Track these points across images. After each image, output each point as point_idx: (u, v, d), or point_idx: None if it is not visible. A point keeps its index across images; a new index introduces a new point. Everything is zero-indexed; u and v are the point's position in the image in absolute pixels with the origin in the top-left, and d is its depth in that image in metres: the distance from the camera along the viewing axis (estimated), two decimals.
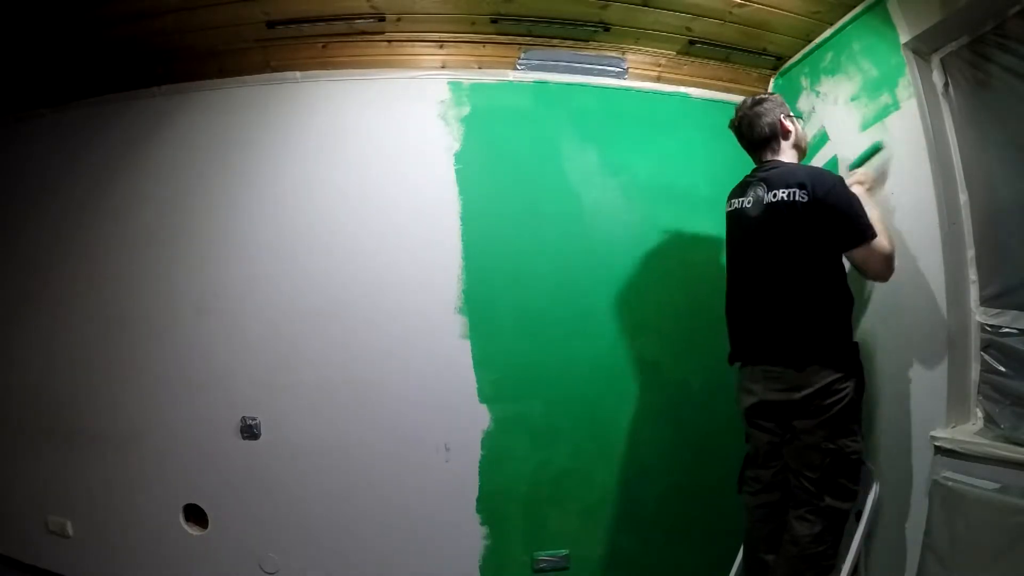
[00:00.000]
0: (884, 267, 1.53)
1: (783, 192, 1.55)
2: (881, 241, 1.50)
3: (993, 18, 1.50)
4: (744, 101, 1.71)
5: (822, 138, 2.08)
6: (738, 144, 1.75)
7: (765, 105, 1.66)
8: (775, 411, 1.61)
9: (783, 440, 1.62)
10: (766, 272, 1.62)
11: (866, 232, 1.49)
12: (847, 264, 1.60)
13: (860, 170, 1.78)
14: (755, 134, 1.67)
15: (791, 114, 1.70)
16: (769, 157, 1.67)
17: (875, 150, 1.79)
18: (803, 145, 1.74)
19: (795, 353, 1.55)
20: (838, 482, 1.54)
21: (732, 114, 1.74)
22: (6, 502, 2.25)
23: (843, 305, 1.59)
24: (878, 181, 1.76)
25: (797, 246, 1.55)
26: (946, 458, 1.54)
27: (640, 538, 2.14)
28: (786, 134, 1.67)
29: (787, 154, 1.68)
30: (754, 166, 1.73)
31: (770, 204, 1.57)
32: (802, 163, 1.74)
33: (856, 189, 1.62)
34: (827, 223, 1.50)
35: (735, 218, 1.71)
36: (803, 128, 1.74)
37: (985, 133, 1.60)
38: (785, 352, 1.57)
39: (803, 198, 1.51)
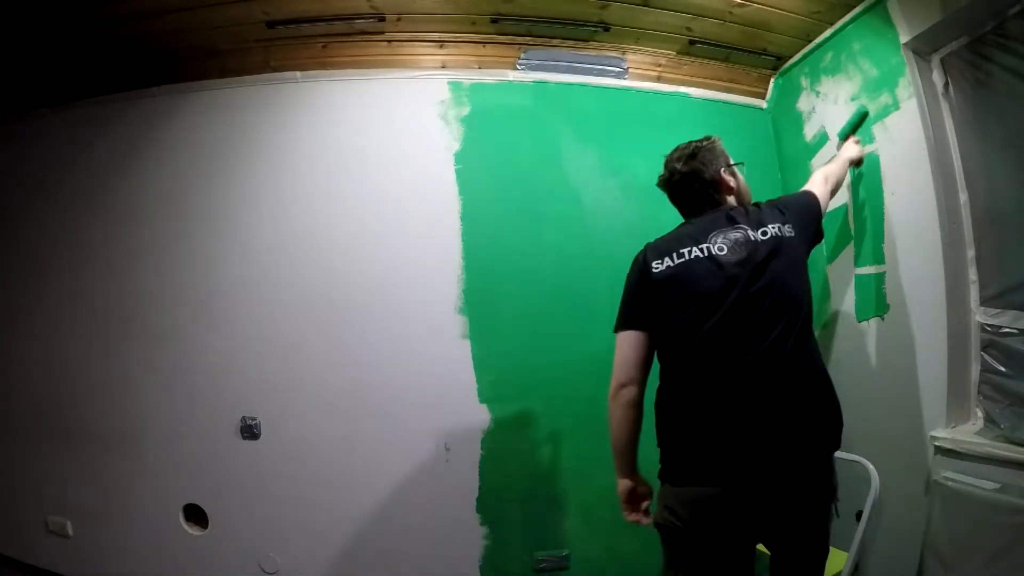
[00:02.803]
0: None
1: (772, 227, 1.29)
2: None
3: (993, 18, 1.50)
4: (674, 154, 1.44)
5: (822, 138, 2.08)
6: (736, 144, 1.68)
7: (702, 158, 1.39)
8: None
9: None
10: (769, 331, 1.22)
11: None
12: None
13: (852, 138, 1.83)
14: (693, 194, 1.41)
15: (732, 164, 1.43)
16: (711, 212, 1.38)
17: (860, 116, 1.84)
18: (746, 198, 1.46)
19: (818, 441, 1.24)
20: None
21: (732, 114, 1.73)
22: (6, 502, 2.25)
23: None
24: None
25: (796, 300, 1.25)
26: (946, 458, 1.54)
27: (640, 538, 2.12)
28: (728, 191, 1.40)
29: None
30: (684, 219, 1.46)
31: (762, 241, 1.27)
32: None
33: (852, 149, 1.72)
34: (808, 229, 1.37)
35: (690, 270, 1.28)
36: (744, 178, 1.47)
37: (985, 133, 1.60)
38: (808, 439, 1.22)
39: (789, 231, 1.30)
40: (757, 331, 1.21)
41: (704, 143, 1.43)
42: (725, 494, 1.18)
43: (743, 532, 1.22)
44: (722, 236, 1.29)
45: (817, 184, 1.56)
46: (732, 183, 1.41)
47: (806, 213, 1.39)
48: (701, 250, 1.29)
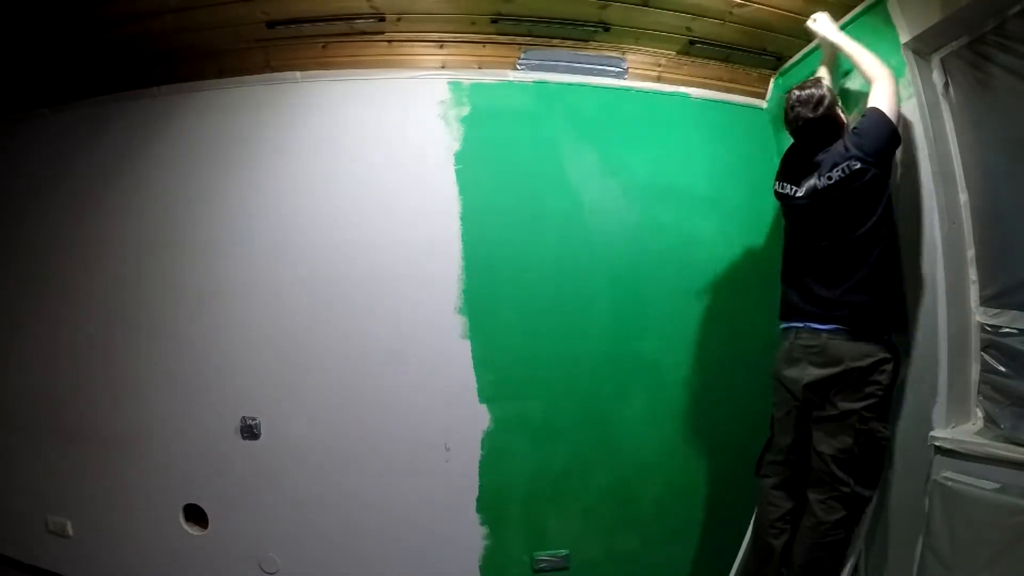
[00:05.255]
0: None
1: (836, 171, 1.57)
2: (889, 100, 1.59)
3: (993, 18, 1.50)
4: (798, 99, 1.65)
5: None
6: (736, 144, 1.74)
7: (826, 105, 1.63)
8: (815, 385, 1.60)
9: (811, 415, 1.62)
10: (831, 245, 1.61)
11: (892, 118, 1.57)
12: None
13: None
14: (822, 135, 1.65)
15: (839, 102, 1.71)
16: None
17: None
18: (848, 126, 1.73)
19: (858, 320, 1.56)
20: (866, 467, 1.55)
21: (732, 114, 1.74)
22: (6, 502, 2.25)
23: (900, 281, 1.62)
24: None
25: (863, 214, 1.55)
26: (946, 458, 1.54)
27: (640, 538, 2.14)
28: (843, 126, 1.68)
29: None
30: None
31: (825, 188, 1.60)
32: None
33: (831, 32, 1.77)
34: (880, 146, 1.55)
35: (787, 202, 1.75)
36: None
37: (985, 133, 1.60)
38: (848, 317, 1.57)
39: (855, 164, 1.54)
40: (825, 246, 1.63)
41: (824, 92, 1.64)
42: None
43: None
44: (806, 183, 1.66)
45: (878, 97, 1.60)
46: (844, 118, 1.68)
47: (877, 135, 1.56)
48: (792, 189, 1.70)
